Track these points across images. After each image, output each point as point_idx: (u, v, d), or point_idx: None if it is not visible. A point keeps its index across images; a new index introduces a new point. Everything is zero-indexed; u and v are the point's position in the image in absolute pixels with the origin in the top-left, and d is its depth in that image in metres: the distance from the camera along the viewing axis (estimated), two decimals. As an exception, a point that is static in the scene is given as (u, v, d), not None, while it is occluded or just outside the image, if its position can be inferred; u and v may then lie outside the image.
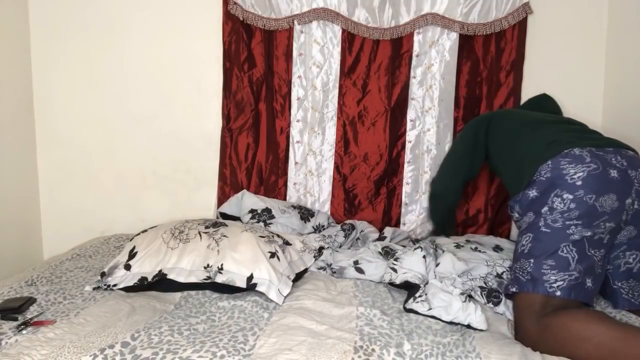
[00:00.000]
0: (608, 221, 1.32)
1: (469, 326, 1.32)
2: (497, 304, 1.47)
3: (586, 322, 1.18)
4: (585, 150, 1.39)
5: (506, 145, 1.69)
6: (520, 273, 1.35)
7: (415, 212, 2.29)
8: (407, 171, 2.28)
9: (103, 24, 2.28)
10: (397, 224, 2.29)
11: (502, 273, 1.57)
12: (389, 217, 2.30)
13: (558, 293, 1.27)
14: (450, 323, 1.34)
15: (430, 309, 1.38)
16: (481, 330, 1.31)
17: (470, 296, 1.47)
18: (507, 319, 1.42)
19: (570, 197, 1.33)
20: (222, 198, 2.30)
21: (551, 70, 2.24)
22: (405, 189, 2.28)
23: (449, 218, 2.13)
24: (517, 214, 1.49)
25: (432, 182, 2.11)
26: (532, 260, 1.33)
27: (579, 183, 1.33)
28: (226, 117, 2.28)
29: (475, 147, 1.84)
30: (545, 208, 1.36)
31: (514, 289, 1.36)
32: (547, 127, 1.60)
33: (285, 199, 2.32)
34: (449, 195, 2.02)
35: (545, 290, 1.28)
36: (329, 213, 2.31)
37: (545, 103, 2.04)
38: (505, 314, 1.44)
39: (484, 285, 1.51)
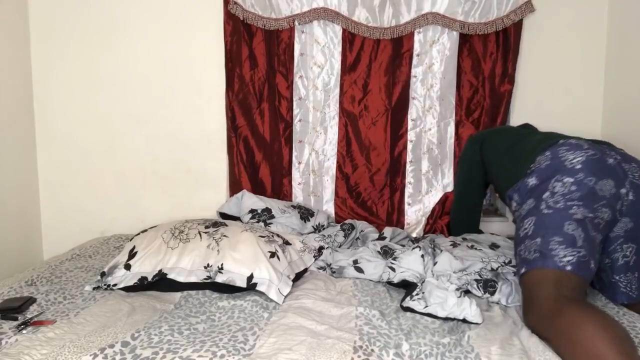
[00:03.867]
0: (605, 206, 1.35)
1: (464, 320, 1.33)
2: (492, 293, 1.49)
3: (599, 336, 1.06)
4: (582, 140, 1.46)
5: (501, 149, 1.74)
6: (527, 253, 1.34)
7: (417, 212, 2.30)
8: (409, 170, 2.28)
9: (103, 24, 2.28)
10: (398, 224, 2.29)
11: (497, 268, 1.60)
12: (391, 216, 2.30)
13: (569, 268, 1.25)
14: (446, 319, 1.35)
15: (426, 306, 1.38)
16: (476, 323, 1.32)
17: (467, 291, 1.50)
18: (501, 306, 1.45)
19: (571, 180, 1.36)
20: None
21: (551, 70, 2.24)
22: (408, 188, 2.29)
23: (470, 229, 2.13)
24: (516, 202, 1.50)
25: (451, 210, 2.18)
26: (538, 240, 1.32)
27: (579, 167, 1.37)
28: (230, 118, 2.28)
29: (474, 165, 1.92)
30: (547, 193, 1.37)
31: (522, 270, 1.34)
32: (539, 133, 1.71)
33: (291, 199, 2.32)
34: (465, 218, 2.10)
35: (555, 265, 1.26)
36: (332, 212, 2.31)
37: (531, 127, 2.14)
38: (501, 301, 1.47)
39: (479, 278, 1.54)
